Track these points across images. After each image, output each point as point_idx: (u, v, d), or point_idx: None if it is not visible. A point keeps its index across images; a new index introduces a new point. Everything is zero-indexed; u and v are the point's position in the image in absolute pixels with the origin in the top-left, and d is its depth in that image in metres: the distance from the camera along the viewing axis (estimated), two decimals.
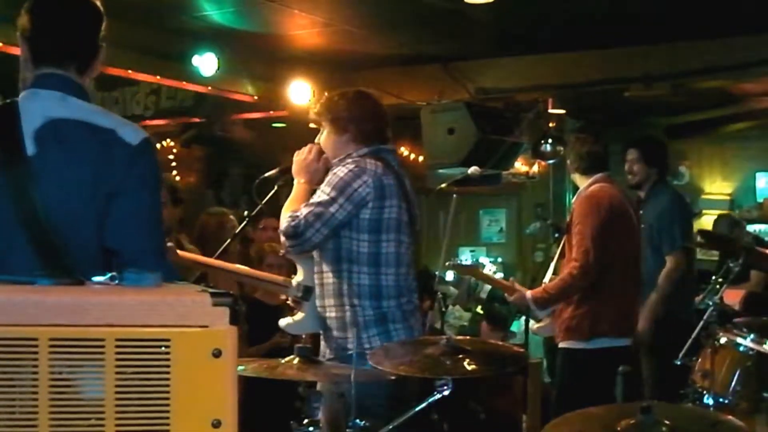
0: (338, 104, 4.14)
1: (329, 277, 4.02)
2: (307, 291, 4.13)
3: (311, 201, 3.96)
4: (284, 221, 3.97)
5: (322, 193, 3.94)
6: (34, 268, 2.21)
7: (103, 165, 2.45)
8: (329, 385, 3.78)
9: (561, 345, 5.45)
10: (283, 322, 4.30)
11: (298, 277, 4.20)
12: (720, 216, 9.20)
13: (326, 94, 4.28)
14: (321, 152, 4.17)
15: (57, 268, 2.26)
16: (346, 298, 3.97)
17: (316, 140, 4.22)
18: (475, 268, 7.35)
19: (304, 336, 6.01)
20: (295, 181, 4.17)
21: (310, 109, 4.30)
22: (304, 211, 3.92)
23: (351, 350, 3.82)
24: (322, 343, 4.13)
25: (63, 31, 2.63)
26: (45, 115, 2.48)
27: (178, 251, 4.51)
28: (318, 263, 4.07)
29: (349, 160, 4.01)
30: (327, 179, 3.99)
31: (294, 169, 4.19)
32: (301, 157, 4.18)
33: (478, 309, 10.77)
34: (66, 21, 2.65)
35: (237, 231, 5.03)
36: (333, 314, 4.02)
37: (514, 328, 8.50)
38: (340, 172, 3.96)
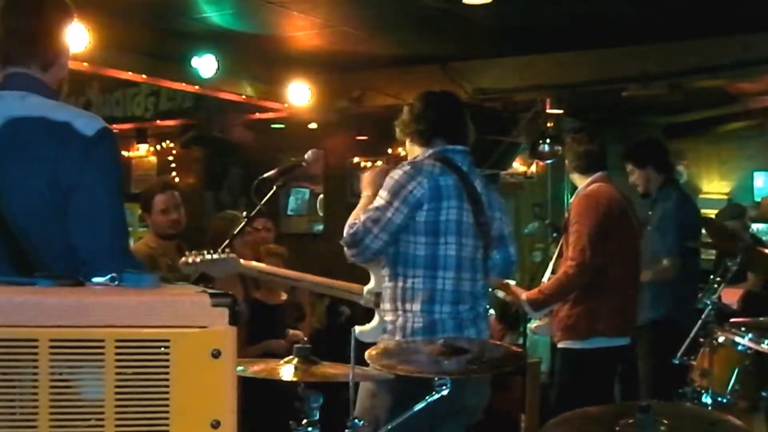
0: (404, 111, 4.13)
1: (386, 282, 3.96)
2: (378, 298, 4.07)
3: (369, 207, 3.90)
4: (345, 230, 3.91)
5: (380, 198, 3.88)
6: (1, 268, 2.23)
7: (59, 160, 2.42)
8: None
9: (559, 345, 5.44)
10: (357, 330, 4.12)
11: (370, 285, 4.15)
12: (727, 206, 9.18)
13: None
14: (388, 171, 4.06)
15: (23, 267, 2.25)
16: (400, 302, 3.89)
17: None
18: None
19: (305, 338, 6.05)
20: (363, 194, 4.12)
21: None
22: (362, 217, 3.87)
23: None
24: None
25: (27, 29, 2.62)
26: (5, 115, 2.47)
27: (246, 262, 4.47)
28: (382, 268, 4.00)
29: (407, 162, 3.97)
30: (384, 183, 3.92)
31: (362, 183, 4.16)
32: (370, 172, 4.18)
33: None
34: (30, 19, 2.63)
35: (236, 231, 5.04)
36: (389, 318, 3.94)
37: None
38: (395, 174, 3.89)
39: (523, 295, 5.37)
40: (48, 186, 2.42)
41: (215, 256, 4.18)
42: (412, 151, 4.11)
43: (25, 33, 2.61)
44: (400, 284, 3.89)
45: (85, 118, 2.51)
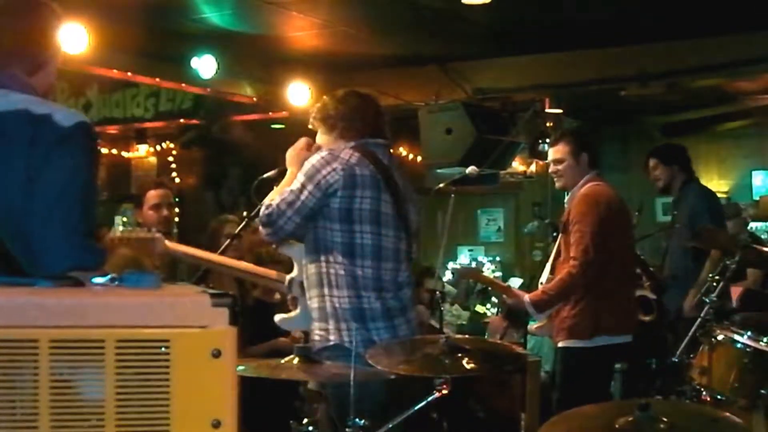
0: (327, 104, 4.18)
1: (310, 268, 4.03)
2: (303, 286, 4.13)
3: (285, 189, 3.98)
4: (261, 210, 4.00)
5: (296, 181, 3.97)
6: None
7: (33, 150, 2.40)
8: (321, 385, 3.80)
9: (560, 345, 5.41)
10: (277, 318, 4.30)
11: (294, 273, 4.21)
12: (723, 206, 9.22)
13: (324, 96, 4.30)
14: (311, 143, 4.20)
15: (6, 265, 2.26)
16: (326, 288, 3.96)
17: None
18: (475, 271, 7.39)
19: (300, 334, 6.05)
20: (288, 171, 4.18)
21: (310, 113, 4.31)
22: (277, 199, 3.96)
23: (332, 341, 3.87)
24: (311, 334, 4.11)
25: (13, 33, 2.61)
26: None
27: (178, 246, 4.51)
28: (304, 255, 4.08)
29: (326, 149, 4.04)
30: (302, 167, 4.00)
31: (287, 160, 4.22)
32: (292, 149, 4.23)
33: (477, 308, 10.81)
34: (17, 22, 2.62)
35: (236, 232, 5.04)
36: (315, 305, 4.01)
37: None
38: (312, 159, 3.98)
39: (526, 297, 5.36)
40: (23, 179, 2.39)
41: (140, 235, 4.25)
42: (332, 143, 4.13)
43: (10, 36, 2.60)
44: (323, 270, 3.97)
45: (65, 112, 2.49)
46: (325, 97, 4.25)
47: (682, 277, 5.98)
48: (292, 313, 4.23)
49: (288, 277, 4.24)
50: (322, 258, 3.97)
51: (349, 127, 4.10)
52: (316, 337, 4.02)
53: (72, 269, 2.20)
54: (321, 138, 4.18)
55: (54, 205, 2.38)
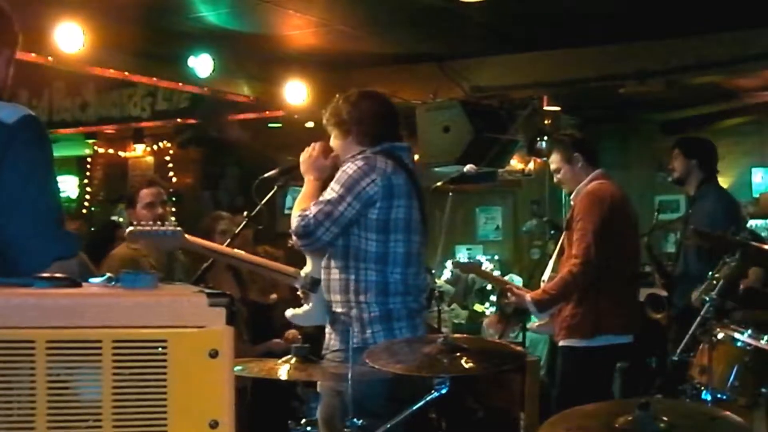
0: (340, 107, 4.13)
1: (336, 273, 4.02)
2: (315, 283, 4.13)
3: (321, 199, 3.96)
4: (294, 220, 3.97)
5: (332, 191, 3.94)
6: None
7: None
8: (328, 384, 3.79)
9: (562, 343, 5.40)
10: (289, 313, 4.29)
11: (307, 269, 4.19)
12: None
13: (336, 97, 4.24)
14: (327, 149, 4.17)
15: None
16: (353, 295, 3.97)
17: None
18: (478, 266, 7.38)
19: (300, 337, 6.05)
20: (306, 179, 4.17)
21: (322, 114, 4.27)
22: (313, 209, 3.92)
23: (356, 344, 3.82)
24: (327, 335, 4.11)
25: None
26: None
27: (197, 240, 4.48)
28: (326, 258, 4.06)
29: (360, 157, 4.00)
30: (337, 176, 3.98)
31: (302, 168, 4.19)
32: (307, 155, 4.19)
33: (475, 307, 10.81)
34: None
35: (237, 232, 5.01)
36: (339, 309, 4.02)
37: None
38: (349, 169, 3.95)
39: (528, 295, 5.36)
40: None
41: (161, 228, 4.22)
42: (347, 147, 4.11)
43: None
44: (352, 277, 3.97)
45: (8, 108, 2.49)
46: (337, 98, 4.19)
47: (696, 277, 5.93)
48: (305, 308, 4.20)
49: (303, 272, 4.22)
50: (352, 265, 3.98)
51: (365, 132, 4.08)
52: (339, 338, 4.01)
53: (54, 261, 2.27)
54: (335, 142, 4.17)
55: (21, 203, 2.41)
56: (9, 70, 2.68)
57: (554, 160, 5.56)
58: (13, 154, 2.41)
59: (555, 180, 5.63)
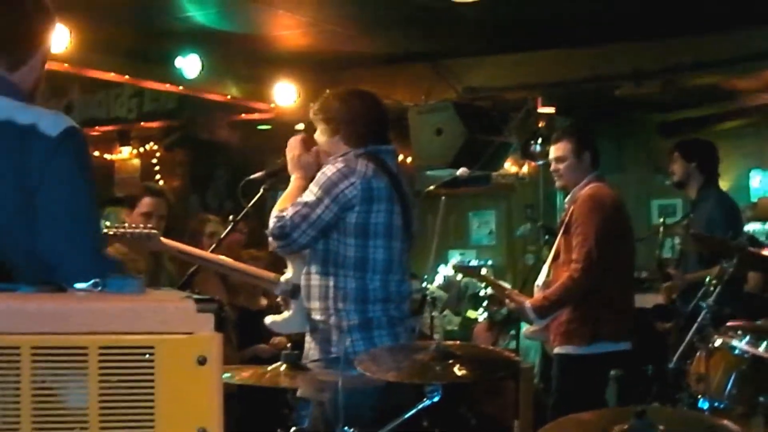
0: (331, 104, 4.09)
1: (315, 279, 3.98)
2: (296, 289, 4.09)
3: (298, 200, 3.91)
4: (272, 221, 3.93)
5: (310, 193, 3.90)
6: None
7: (24, 164, 2.32)
8: (315, 392, 3.71)
9: (558, 351, 5.34)
10: (268, 320, 4.26)
11: (288, 275, 4.16)
12: None
13: (326, 92, 4.20)
14: (308, 144, 4.13)
15: None
16: (331, 302, 3.92)
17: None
18: (478, 271, 7.35)
19: (289, 345, 5.98)
20: (292, 178, 4.13)
21: (310, 107, 4.22)
22: (290, 211, 3.88)
23: (335, 353, 3.82)
24: (306, 344, 4.07)
25: None
26: None
27: (174, 243, 4.50)
28: (307, 263, 4.02)
29: (340, 159, 3.96)
30: (316, 178, 3.93)
31: (289, 166, 4.15)
32: (291, 154, 4.14)
33: (468, 313, 10.74)
34: None
35: (223, 236, 4.95)
36: (318, 317, 3.97)
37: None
38: (328, 171, 3.91)
39: (527, 302, 5.30)
40: (13, 193, 2.32)
41: (136, 231, 4.27)
42: (334, 145, 4.06)
43: None
44: (331, 283, 3.93)
45: (50, 118, 2.39)
46: (329, 94, 4.15)
47: (699, 283, 5.88)
48: (284, 315, 4.18)
49: (283, 278, 4.19)
50: (332, 270, 3.93)
51: (352, 132, 4.02)
52: (318, 347, 3.98)
53: None
54: (321, 138, 4.12)
55: (60, 223, 2.33)
56: (44, 69, 2.60)
57: (562, 149, 5.43)
58: (55, 169, 2.33)
59: (552, 169, 5.53)
